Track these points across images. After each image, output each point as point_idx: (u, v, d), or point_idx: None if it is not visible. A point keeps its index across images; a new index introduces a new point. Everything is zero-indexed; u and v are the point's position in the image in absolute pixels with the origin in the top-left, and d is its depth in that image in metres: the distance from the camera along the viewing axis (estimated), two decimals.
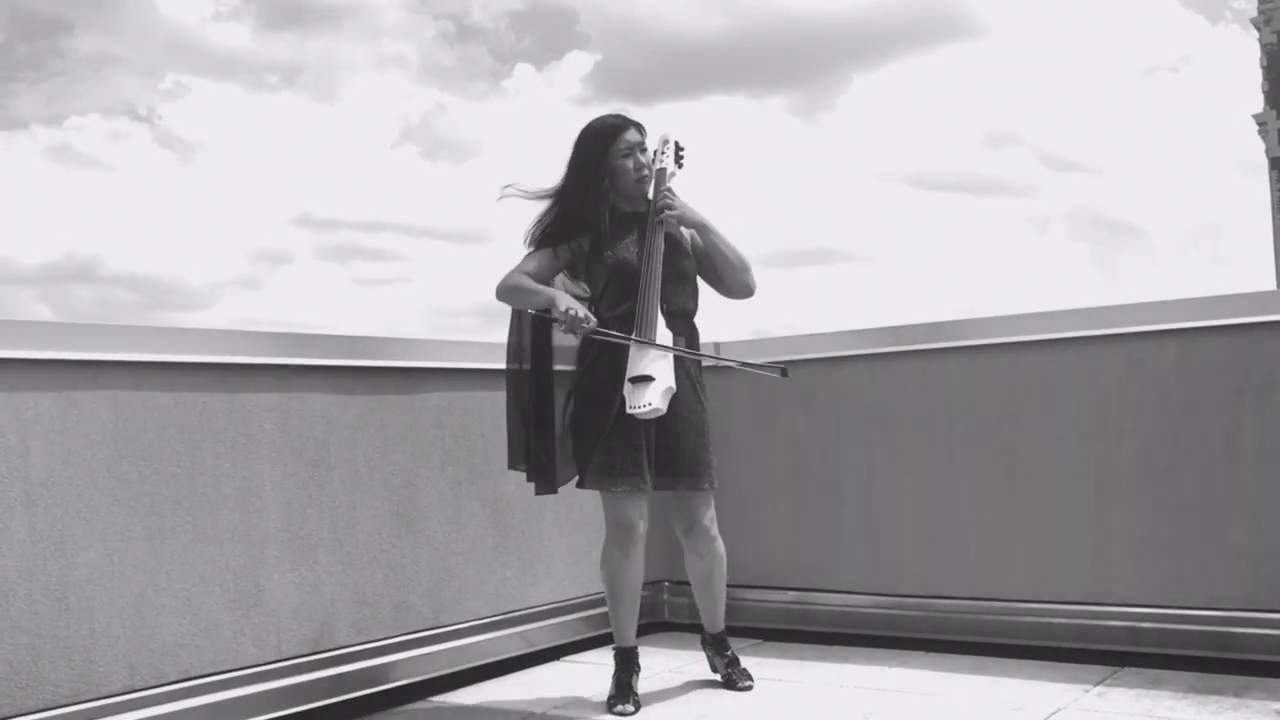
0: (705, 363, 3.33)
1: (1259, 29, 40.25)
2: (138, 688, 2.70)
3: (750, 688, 3.26)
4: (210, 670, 2.85)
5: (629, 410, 2.98)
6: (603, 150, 3.14)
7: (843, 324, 4.00)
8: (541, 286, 3.11)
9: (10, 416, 2.54)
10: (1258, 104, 40.66)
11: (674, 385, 3.01)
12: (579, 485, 3.15)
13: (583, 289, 3.21)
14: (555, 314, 3.02)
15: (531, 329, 3.17)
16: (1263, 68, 40.19)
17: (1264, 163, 40.81)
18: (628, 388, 3.00)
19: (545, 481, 3.20)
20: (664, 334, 3.06)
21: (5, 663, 2.50)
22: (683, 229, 3.21)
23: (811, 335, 3.98)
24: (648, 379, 2.98)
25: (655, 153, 3.21)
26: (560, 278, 3.21)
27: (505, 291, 3.15)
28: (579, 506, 3.90)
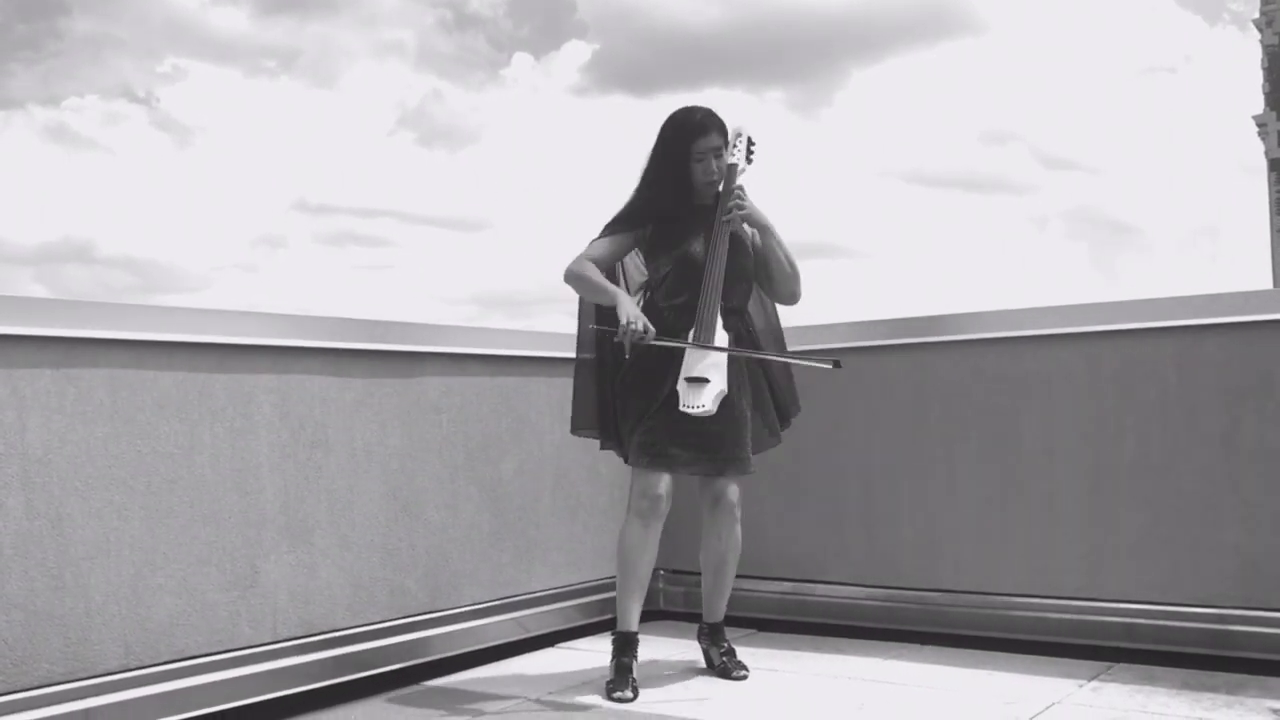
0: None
1: (1260, 30, 40.26)
2: (133, 666, 2.70)
3: (745, 677, 3.26)
4: (206, 650, 2.85)
5: (682, 408, 3.05)
6: (684, 147, 3.20)
7: (842, 318, 4.00)
8: (607, 284, 3.17)
9: (8, 393, 2.53)
10: (1258, 105, 40.71)
11: (726, 388, 3.08)
12: (626, 461, 3.23)
13: (643, 272, 3.29)
14: (617, 330, 3.06)
15: (596, 333, 3.24)
16: (1263, 69, 40.21)
17: (1262, 164, 40.86)
18: (682, 385, 3.08)
19: (617, 445, 3.29)
20: (720, 336, 3.12)
21: (0, 639, 2.49)
22: (745, 226, 3.24)
23: (811, 327, 3.98)
24: (703, 381, 3.06)
25: (729, 147, 3.23)
26: (630, 257, 3.29)
27: (573, 279, 3.22)
28: (576, 494, 3.90)
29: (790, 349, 3.80)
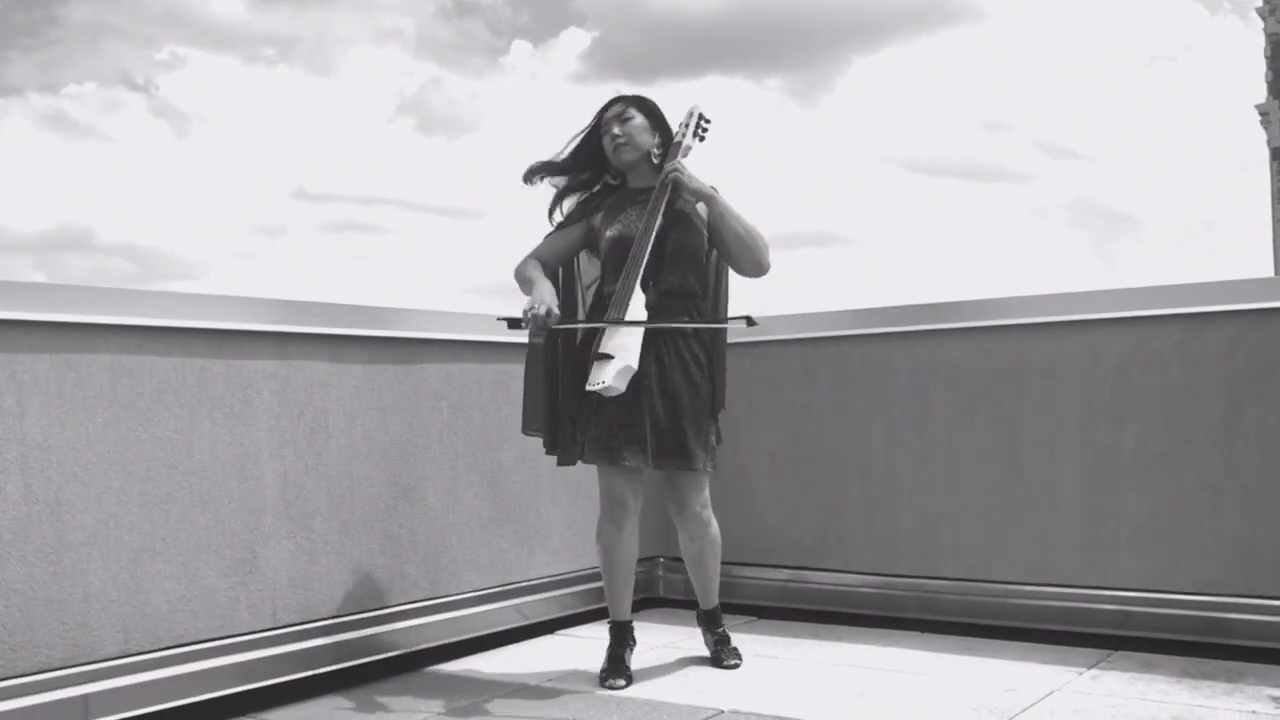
0: (730, 332, 3.27)
1: (1264, 19, 40.16)
2: (132, 652, 2.70)
3: (736, 666, 3.25)
4: (205, 636, 2.84)
5: (587, 388, 2.95)
6: (595, 122, 3.22)
7: (843, 305, 3.99)
8: (534, 275, 3.09)
9: (8, 378, 2.52)
10: (1260, 94, 40.62)
11: (635, 364, 2.95)
12: (583, 460, 3.14)
13: (597, 266, 3.22)
14: (522, 318, 2.97)
15: (505, 322, 3.09)
16: (1267, 58, 40.12)
17: (1263, 153, 40.79)
18: (592, 365, 2.98)
19: (561, 451, 3.17)
20: (638, 312, 2.99)
21: None
22: (691, 200, 3.15)
23: (813, 314, 3.98)
24: (608, 357, 2.95)
25: (680, 125, 3.19)
26: (583, 255, 3.24)
27: (518, 279, 3.18)
28: (576, 480, 3.89)
29: (788, 338, 3.81)
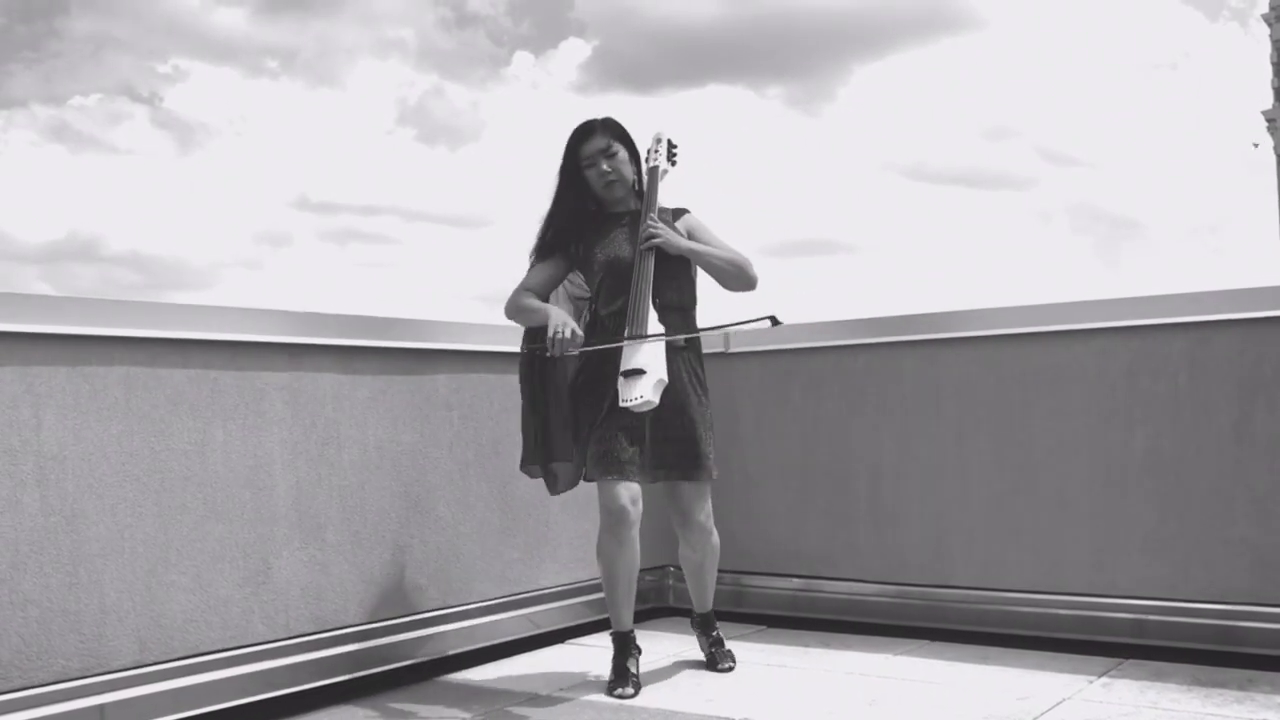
0: (704, 341, 3.29)
1: (1270, 25, 40.16)
2: (147, 662, 2.72)
3: (730, 669, 3.27)
4: (219, 647, 2.86)
5: (621, 404, 3.00)
6: (573, 156, 3.20)
7: (850, 314, 4.01)
8: (540, 305, 3.13)
9: (23, 390, 2.54)
10: (1266, 100, 40.59)
11: (665, 377, 3.01)
12: (585, 479, 3.17)
13: (583, 288, 3.26)
14: (545, 345, 3.01)
15: (525, 356, 3.15)
16: (1274, 64, 40.09)
17: (1270, 159, 40.75)
18: (620, 381, 3.02)
19: (551, 480, 3.24)
20: (655, 327, 3.05)
21: (16, 635, 2.51)
22: (678, 222, 3.23)
23: (821, 324, 3.99)
24: (639, 372, 2.99)
25: (648, 151, 3.24)
26: (567, 282, 3.26)
27: (513, 312, 3.19)
28: (586, 491, 3.90)
29: (795, 347, 3.82)
